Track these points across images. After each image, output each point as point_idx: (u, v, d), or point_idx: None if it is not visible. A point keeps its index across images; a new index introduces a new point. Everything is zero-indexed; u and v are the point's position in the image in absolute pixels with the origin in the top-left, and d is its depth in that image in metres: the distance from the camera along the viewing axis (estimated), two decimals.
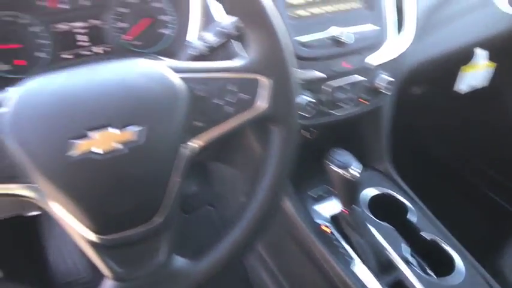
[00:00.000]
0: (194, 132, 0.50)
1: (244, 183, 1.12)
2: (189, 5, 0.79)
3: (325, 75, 0.85)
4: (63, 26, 0.77)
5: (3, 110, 0.44)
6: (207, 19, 0.75)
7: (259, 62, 0.53)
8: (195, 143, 0.51)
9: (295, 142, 0.57)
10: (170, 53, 0.80)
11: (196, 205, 1.48)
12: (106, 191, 0.46)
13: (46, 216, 0.73)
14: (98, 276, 0.51)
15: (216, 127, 0.52)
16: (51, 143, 0.44)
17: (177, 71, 0.50)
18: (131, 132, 0.45)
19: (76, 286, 1.30)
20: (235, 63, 0.53)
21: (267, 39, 0.53)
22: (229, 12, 0.54)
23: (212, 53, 0.63)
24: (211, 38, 0.62)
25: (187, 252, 0.56)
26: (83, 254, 0.50)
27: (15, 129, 0.43)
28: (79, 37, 0.78)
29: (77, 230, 0.47)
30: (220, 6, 0.76)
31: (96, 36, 0.79)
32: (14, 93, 0.45)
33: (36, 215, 0.76)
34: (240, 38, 0.63)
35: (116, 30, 0.80)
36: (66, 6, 0.76)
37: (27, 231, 1.30)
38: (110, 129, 0.45)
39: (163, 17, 0.82)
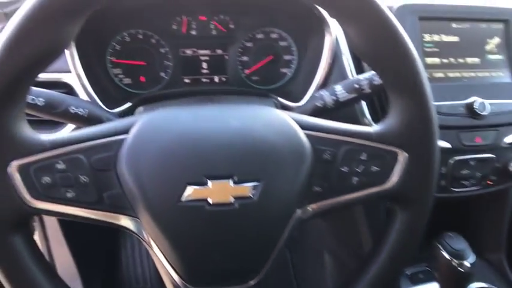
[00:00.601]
0: (312, 198, 0.45)
1: (331, 238, 1.04)
2: (316, 49, 0.75)
3: (451, 146, 0.75)
4: (189, 52, 0.77)
5: (124, 136, 0.43)
6: (336, 70, 0.70)
7: (400, 133, 0.46)
8: (310, 208, 0.45)
9: (422, 229, 0.49)
10: (286, 93, 0.77)
11: None
12: (209, 244, 0.43)
13: None
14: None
15: (336, 197, 0.46)
16: (167, 183, 0.41)
17: (305, 127, 0.45)
18: (247, 187, 0.42)
19: None
20: (372, 129, 0.47)
21: (415, 108, 0.45)
22: (375, 68, 0.47)
23: (337, 107, 0.58)
24: (341, 91, 0.57)
25: None
26: (151, 266, 0.47)
27: (132, 159, 0.42)
28: (202, 64, 0.78)
29: (168, 270, 0.44)
30: (348, 55, 0.72)
31: (218, 65, 0.79)
32: (138, 121, 0.43)
33: None
34: (369, 97, 0.57)
35: (238, 63, 0.79)
36: (196, 33, 0.77)
37: (110, 232, 1.34)
38: (230, 181, 0.41)
39: (287, 57, 0.80)
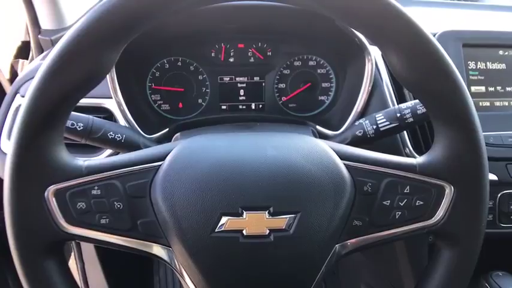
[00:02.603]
0: (351, 232, 0.43)
1: (368, 271, 1.00)
2: (355, 76, 0.73)
3: (498, 179, 0.71)
4: (227, 78, 0.78)
5: (160, 163, 0.42)
6: (376, 98, 0.68)
7: (448, 166, 0.43)
8: (349, 243, 0.43)
9: (471, 269, 0.46)
10: (324, 121, 0.76)
11: None
12: (242, 277, 0.41)
13: None
14: None
15: (377, 233, 0.44)
16: (201, 212, 0.40)
17: (345, 157, 0.44)
18: (282, 220, 0.40)
19: None
20: (416, 161, 0.44)
21: (464, 139, 0.42)
22: (420, 97, 0.45)
23: (377, 137, 0.56)
24: (382, 120, 0.55)
25: None
26: None
27: (166, 187, 0.41)
28: (240, 91, 0.78)
29: None
30: (388, 82, 0.70)
31: (255, 92, 0.79)
32: (174, 148, 0.43)
33: None
34: (411, 126, 0.55)
35: (275, 90, 0.78)
36: (234, 61, 0.78)
37: (144, 258, 1.35)
38: (265, 213, 0.40)
39: (325, 84, 0.79)
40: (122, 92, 0.67)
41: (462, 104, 0.41)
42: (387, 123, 0.55)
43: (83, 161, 0.42)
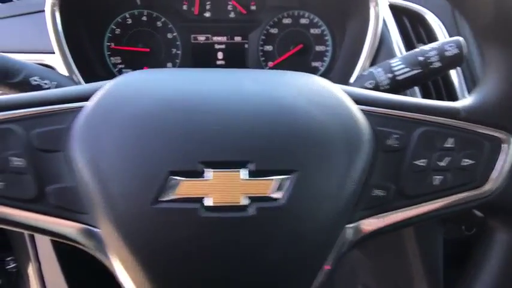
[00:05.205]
0: (370, 206, 0.30)
1: (366, 270, 0.88)
2: (356, 36, 0.61)
3: None
4: (202, 38, 0.65)
5: (82, 104, 0.29)
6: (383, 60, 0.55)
7: (506, 109, 0.31)
8: (367, 223, 0.30)
9: None
10: None
11: None
12: (200, 274, 0.27)
13: None
14: None
15: (408, 208, 0.30)
16: (140, 172, 0.26)
17: (361, 100, 0.31)
18: (269, 183, 0.27)
19: None
20: (459, 103, 0.32)
21: None
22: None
23: (393, 89, 0.43)
24: (399, 66, 0.42)
25: None
26: None
27: (91, 137, 0.27)
28: (217, 53, 0.65)
29: None
30: (398, 38, 0.57)
31: (235, 55, 0.66)
32: (105, 86, 0.30)
33: None
34: (438, 74, 0.42)
35: (260, 53, 0.66)
36: (211, 16, 0.65)
37: None
38: (241, 172, 0.27)
39: (319, 47, 0.66)
40: (72, 51, 0.54)
41: None
42: (406, 69, 0.42)
43: None
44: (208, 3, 0.64)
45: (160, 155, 0.26)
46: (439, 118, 0.31)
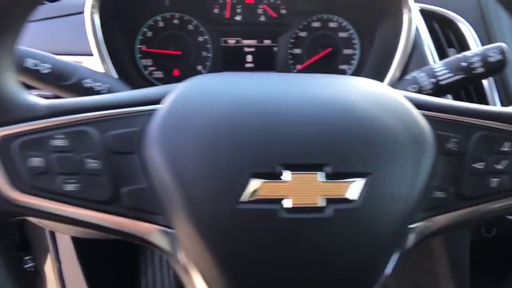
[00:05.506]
0: (432, 207, 0.31)
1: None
2: (386, 41, 0.62)
3: None
4: (232, 41, 0.65)
5: (156, 107, 0.30)
6: (415, 65, 0.56)
7: None
8: (427, 224, 0.31)
9: None
10: None
11: None
12: (279, 273, 0.28)
13: None
14: None
15: (466, 209, 0.32)
16: (221, 174, 0.27)
17: (422, 106, 0.32)
18: (346, 185, 0.28)
19: None
20: None
21: None
22: None
23: (436, 93, 0.44)
24: (442, 71, 0.43)
25: None
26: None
27: (167, 139, 0.28)
28: (247, 56, 0.66)
29: None
30: (430, 43, 0.58)
31: (264, 58, 0.67)
32: (177, 88, 0.30)
33: None
34: (480, 78, 0.43)
35: (288, 56, 0.66)
36: (241, 19, 0.65)
37: (128, 251, 1.22)
38: (319, 174, 0.27)
39: (347, 51, 0.67)
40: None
41: None
42: (450, 74, 0.43)
43: (41, 100, 0.29)
44: (239, 6, 0.65)
45: (241, 157, 0.27)
46: (495, 123, 0.32)
